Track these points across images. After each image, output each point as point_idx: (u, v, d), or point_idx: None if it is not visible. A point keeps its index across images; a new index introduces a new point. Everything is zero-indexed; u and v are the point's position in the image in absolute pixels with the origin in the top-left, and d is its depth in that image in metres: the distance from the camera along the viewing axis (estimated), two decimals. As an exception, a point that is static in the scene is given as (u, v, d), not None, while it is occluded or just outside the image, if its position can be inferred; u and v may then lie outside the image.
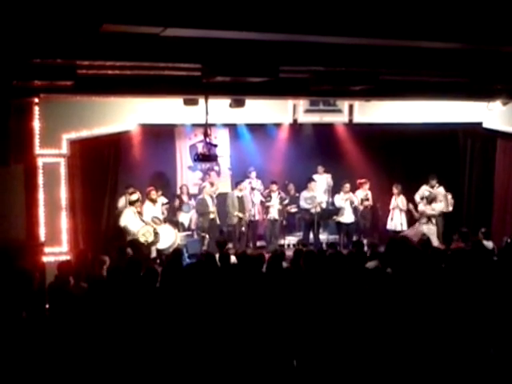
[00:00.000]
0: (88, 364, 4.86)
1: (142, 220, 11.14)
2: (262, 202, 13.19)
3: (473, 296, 6.16)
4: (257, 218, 13.14)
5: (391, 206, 13.02)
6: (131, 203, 11.26)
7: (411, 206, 12.86)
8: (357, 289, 6.26)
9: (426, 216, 12.58)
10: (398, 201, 12.93)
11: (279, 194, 13.14)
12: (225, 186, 14.01)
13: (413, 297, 6.15)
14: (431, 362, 5.10)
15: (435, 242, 11.22)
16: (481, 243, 8.76)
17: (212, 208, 12.60)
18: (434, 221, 12.66)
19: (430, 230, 12.36)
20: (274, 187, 13.15)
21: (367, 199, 13.21)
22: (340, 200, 13.13)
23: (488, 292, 6.28)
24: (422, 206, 12.71)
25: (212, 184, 13.23)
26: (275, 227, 13.17)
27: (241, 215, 12.67)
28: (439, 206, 12.64)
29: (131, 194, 11.44)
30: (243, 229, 12.91)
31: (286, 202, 13.27)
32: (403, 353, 5.21)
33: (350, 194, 13.12)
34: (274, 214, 13.06)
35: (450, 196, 12.83)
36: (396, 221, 12.91)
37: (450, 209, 12.86)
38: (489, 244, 9.54)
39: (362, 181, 13.35)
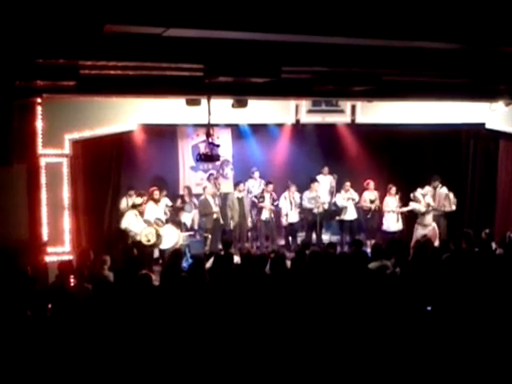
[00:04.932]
0: (88, 365, 4.88)
1: (144, 221, 11.14)
2: (254, 203, 13.17)
3: (477, 294, 6.17)
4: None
5: (390, 208, 12.94)
6: (134, 206, 11.26)
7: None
8: (359, 288, 6.28)
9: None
10: (398, 201, 12.90)
11: (271, 195, 13.11)
12: (227, 187, 13.99)
13: (416, 296, 6.17)
14: (436, 359, 5.11)
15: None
16: (488, 244, 8.78)
17: (215, 208, 12.60)
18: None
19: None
20: (270, 187, 13.11)
21: (376, 200, 13.19)
22: (341, 199, 13.17)
23: (492, 289, 6.29)
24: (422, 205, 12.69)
25: (215, 184, 13.23)
26: (268, 228, 13.16)
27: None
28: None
29: (136, 196, 11.45)
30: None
31: (276, 203, 13.21)
32: (408, 352, 5.21)
33: (350, 191, 13.19)
34: (265, 214, 13.05)
35: (451, 195, 12.79)
36: (400, 221, 12.91)
37: (454, 208, 12.82)
38: (492, 244, 9.53)
39: (366, 182, 13.32)
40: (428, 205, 12.38)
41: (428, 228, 12.32)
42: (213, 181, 13.35)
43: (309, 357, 5.19)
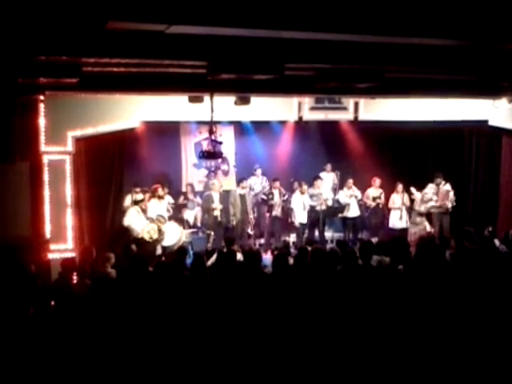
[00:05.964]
0: (90, 362, 4.88)
1: (147, 218, 11.13)
2: (263, 201, 13.14)
3: (481, 291, 6.16)
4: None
5: (396, 205, 12.93)
6: (136, 203, 11.26)
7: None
8: (362, 285, 6.27)
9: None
10: (404, 198, 12.89)
11: (280, 190, 13.08)
12: (229, 184, 13.99)
13: (421, 293, 6.17)
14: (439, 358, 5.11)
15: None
16: (491, 241, 8.77)
17: (215, 204, 12.57)
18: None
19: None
20: (277, 183, 13.07)
21: (379, 197, 13.17)
22: (344, 196, 13.19)
23: (495, 286, 6.28)
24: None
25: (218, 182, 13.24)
26: (276, 224, 13.15)
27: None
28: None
29: (137, 193, 11.44)
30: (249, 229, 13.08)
31: (286, 197, 13.14)
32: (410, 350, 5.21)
33: (352, 188, 13.22)
34: (277, 211, 13.04)
35: (451, 193, 12.77)
36: (403, 219, 12.89)
37: (450, 206, 12.78)
38: (495, 242, 9.52)
39: (373, 179, 13.32)
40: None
41: (418, 227, 12.41)
42: (213, 178, 13.36)
43: (311, 354, 5.18)
